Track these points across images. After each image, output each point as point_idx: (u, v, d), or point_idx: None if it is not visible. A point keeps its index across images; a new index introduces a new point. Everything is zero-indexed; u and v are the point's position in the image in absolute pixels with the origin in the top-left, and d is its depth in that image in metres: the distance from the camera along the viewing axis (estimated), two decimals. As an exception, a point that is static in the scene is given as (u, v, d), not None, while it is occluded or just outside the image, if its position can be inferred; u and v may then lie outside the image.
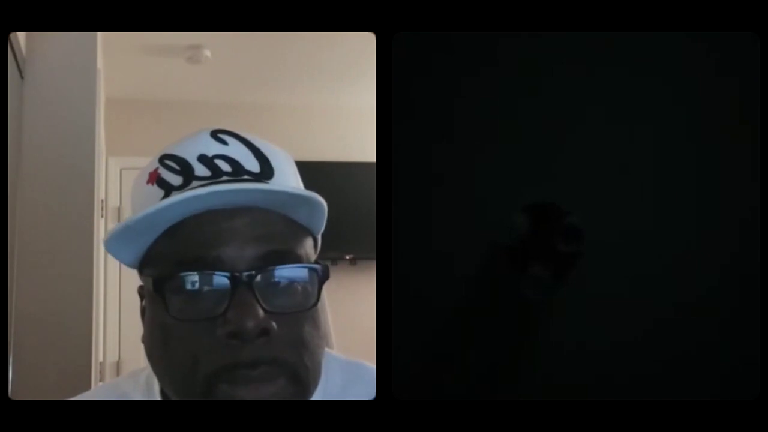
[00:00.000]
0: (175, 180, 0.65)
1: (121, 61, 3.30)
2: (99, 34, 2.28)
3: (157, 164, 0.67)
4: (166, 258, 0.64)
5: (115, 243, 0.65)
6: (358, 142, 4.08)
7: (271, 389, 0.61)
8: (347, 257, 4.02)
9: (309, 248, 0.69)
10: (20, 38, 1.97)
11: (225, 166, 0.65)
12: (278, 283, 0.63)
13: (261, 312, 0.60)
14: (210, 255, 0.62)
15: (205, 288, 0.62)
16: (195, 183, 0.65)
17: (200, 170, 0.65)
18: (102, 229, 2.82)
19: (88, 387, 1.97)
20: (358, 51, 3.28)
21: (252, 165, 0.66)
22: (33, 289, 1.97)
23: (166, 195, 0.65)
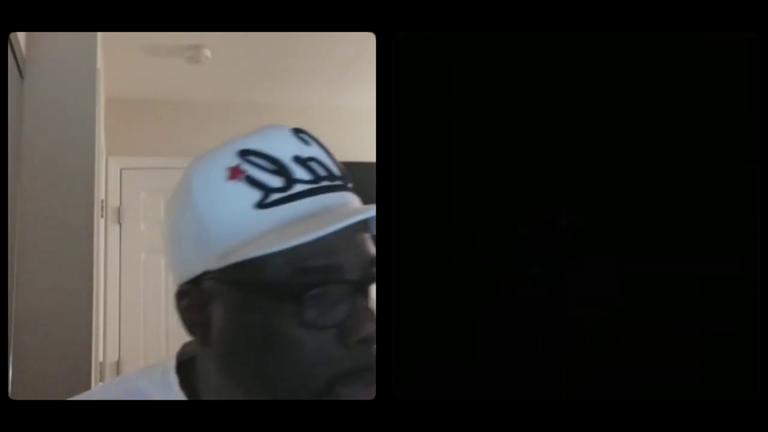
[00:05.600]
0: (273, 181, 0.63)
1: (121, 61, 3.30)
2: (99, 34, 2.28)
3: (237, 160, 0.64)
4: (284, 264, 0.62)
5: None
6: (358, 142, 4.08)
7: (374, 390, 0.64)
8: (347, 257, 4.01)
9: None
10: (20, 38, 1.96)
11: (320, 170, 0.65)
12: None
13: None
14: (334, 262, 0.62)
15: (329, 295, 0.62)
16: (298, 186, 0.63)
17: (299, 173, 0.64)
18: (102, 229, 2.81)
19: (88, 387, 1.97)
20: (358, 51, 3.28)
21: (336, 169, 0.67)
22: (33, 289, 1.97)
23: (266, 196, 0.63)
